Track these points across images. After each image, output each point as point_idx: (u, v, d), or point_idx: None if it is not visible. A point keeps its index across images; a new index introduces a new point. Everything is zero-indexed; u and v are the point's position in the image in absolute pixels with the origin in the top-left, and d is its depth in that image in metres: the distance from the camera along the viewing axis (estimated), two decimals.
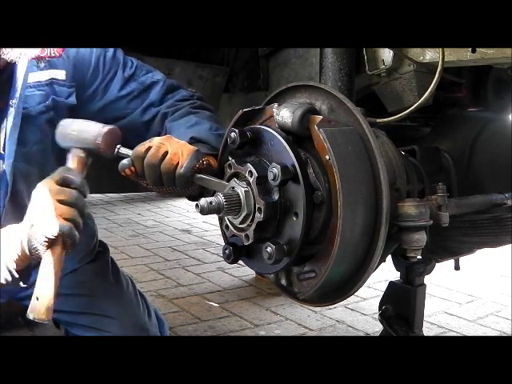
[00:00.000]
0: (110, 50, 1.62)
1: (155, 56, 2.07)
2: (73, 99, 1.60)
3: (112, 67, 1.62)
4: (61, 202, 1.23)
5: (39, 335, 1.68)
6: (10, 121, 1.48)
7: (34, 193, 1.26)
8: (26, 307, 1.23)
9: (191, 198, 1.41)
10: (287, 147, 1.16)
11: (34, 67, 1.52)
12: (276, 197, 1.17)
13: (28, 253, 1.24)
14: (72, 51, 1.57)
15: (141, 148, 1.33)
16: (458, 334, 2.68)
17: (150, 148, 1.32)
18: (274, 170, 1.13)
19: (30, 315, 1.20)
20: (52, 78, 1.55)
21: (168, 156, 1.30)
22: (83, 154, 1.35)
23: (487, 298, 3.21)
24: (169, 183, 1.32)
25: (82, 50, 1.58)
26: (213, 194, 1.28)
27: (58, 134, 1.39)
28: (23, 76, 1.47)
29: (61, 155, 1.43)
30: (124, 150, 1.36)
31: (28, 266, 1.29)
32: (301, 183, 1.13)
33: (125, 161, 1.35)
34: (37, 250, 1.23)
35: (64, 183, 1.25)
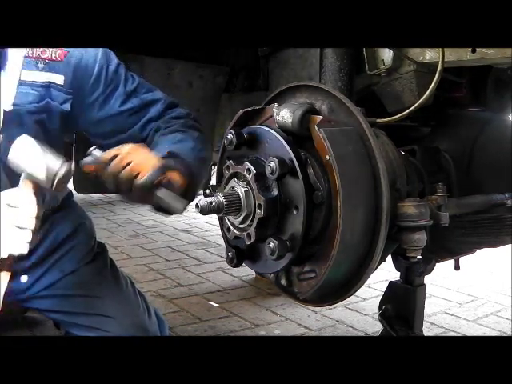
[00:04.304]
0: (113, 63, 1.61)
1: (155, 56, 2.06)
2: (67, 106, 1.59)
3: (113, 80, 1.61)
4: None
5: (39, 335, 1.68)
6: None
7: None
8: (26, 308, 1.24)
9: (157, 209, 1.39)
10: (282, 141, 1.17)
11: (32, 66, 1.51)
12: (275, 192, 1.17)
13: None
14: (74, 58, 1.56)
15: (107, 155, 1.35)
16: (458, 334, 2.68)
17: (115, 156, 1.34)
18: (272, 164, 1.13)
19: None
20: (49, 81, 1.54)
21: (130, 166, 1.32)
22: (34, 183, 1.33)
23: (487, 298, 3.21)
24: (125, 191, 1.34)
25: (85, 57, 1.56)
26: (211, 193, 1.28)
27: (12, 160, 1.33)
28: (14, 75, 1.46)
29: None
30: (96, 152, 1.36)
31: None
32: (299, 175, 1.13)
33: (89, 159, 1.34)
34: None
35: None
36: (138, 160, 1.34)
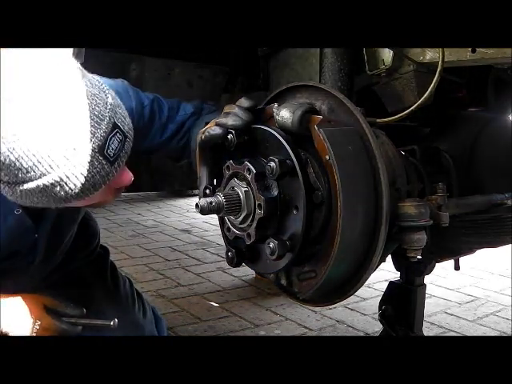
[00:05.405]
0: (147, 103, 1.57)
1: (155, 56, 2.06)
2: None
3: (150, 118, 1.58)
4: None
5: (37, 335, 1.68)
6: None
7: None
8: None
9: None
10: (282, 141, 1.17)
11: None
12: (275, 192, 1.17)
13: None
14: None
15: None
16: (458, 334, 2.68)
17: None
18: (272, 163, 1.13)
19: None
20: None
21: None
22: None
23: (487, 298, 3.21)
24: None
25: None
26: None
27: None
28: None
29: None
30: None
31: None
32: (299, 175, 1.13)
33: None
34: None
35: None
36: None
